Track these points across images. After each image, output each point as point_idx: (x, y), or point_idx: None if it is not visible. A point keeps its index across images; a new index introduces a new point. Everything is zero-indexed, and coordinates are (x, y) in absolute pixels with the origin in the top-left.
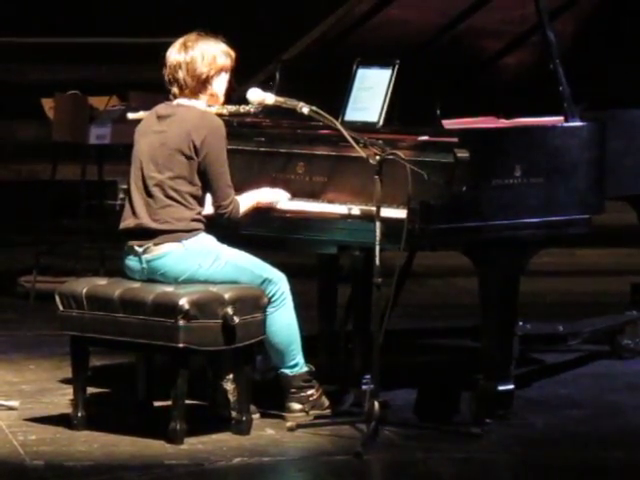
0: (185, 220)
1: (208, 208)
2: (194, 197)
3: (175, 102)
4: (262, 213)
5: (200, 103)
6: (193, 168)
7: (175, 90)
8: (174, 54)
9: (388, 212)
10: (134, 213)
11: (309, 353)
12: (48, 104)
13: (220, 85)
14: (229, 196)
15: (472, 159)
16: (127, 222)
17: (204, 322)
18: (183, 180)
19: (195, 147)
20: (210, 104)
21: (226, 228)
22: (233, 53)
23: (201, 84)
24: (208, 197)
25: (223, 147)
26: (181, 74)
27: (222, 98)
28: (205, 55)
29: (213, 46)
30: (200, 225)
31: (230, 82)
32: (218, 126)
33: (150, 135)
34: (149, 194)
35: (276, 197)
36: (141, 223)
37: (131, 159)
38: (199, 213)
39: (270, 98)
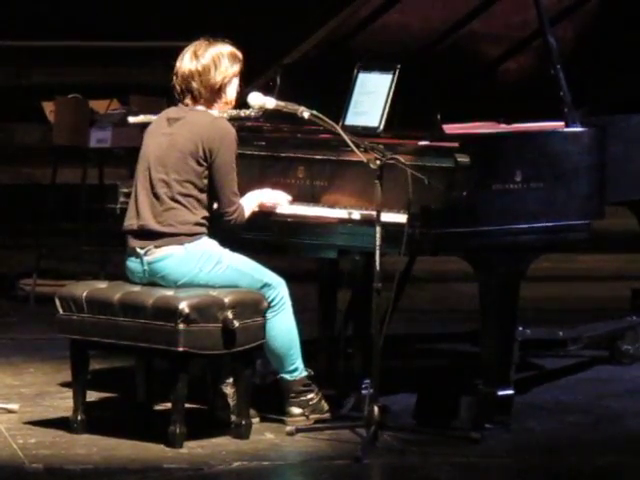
0: (188, 224)
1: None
2: (199, 201)
3: (187, 107)
4: (262, 217)
5: (213, 111)
6: (200, 172)
7: (188, 100)
8: (186, 63)
9: (388, 217)
10: (138, 214)
11: (309, 357)
12: (49, 107)
13: (233, 91)
14: (234, 203)
15: (472, 164)
16: (130, 222)
17: (204, 326)
18: (189, 183)
19: (205, 153)
20: (222, 110)
21: (229, 232)
22: (241, 55)
23: (215, 93)
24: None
25: (232, 155)
26: (195, 85)
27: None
28: (217, 64)
29: (224, 53)
30: (203, 229)
31: (240, 85)
32: (229, 133)
33: (159, 137)
34: (155, 195)
35: (278, 198)
36: (144, 224)
37: (138, 160)
38: (203, 217)
39: (270, 102)
